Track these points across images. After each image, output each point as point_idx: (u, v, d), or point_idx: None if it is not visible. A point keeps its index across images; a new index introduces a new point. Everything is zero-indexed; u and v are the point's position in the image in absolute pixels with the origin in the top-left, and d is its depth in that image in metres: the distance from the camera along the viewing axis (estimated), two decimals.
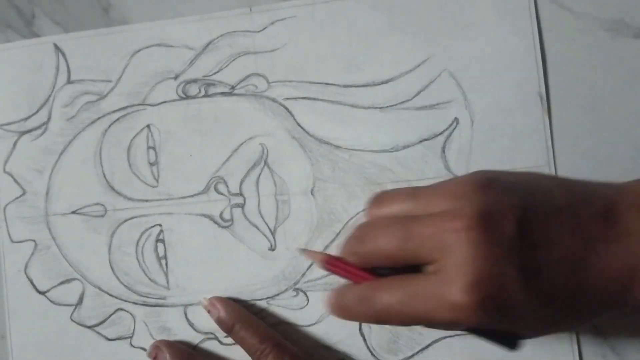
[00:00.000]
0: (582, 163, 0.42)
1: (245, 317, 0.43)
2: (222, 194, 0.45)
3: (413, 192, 0.33)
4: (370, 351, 0.43)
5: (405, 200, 0.33)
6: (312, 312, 0.44)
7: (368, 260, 0.32)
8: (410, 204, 0.32)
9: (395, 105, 0.44)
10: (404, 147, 0.44)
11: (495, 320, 0.29)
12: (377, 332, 0.43)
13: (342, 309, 0.32)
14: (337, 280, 0.43)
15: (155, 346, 0.44)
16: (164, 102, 0.46)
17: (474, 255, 0.29)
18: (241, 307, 0.44)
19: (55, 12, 0.48)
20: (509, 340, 0.31)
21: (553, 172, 0.42)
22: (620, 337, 0.41)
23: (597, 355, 0.41)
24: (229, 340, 0.44)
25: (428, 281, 0.30)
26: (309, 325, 0.44)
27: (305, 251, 0.37)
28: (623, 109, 0.42)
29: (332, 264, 0.33)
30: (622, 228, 0.30)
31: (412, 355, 0.43)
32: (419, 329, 0.43)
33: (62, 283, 0.46)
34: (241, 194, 0.45)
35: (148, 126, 0.46)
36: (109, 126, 0.46)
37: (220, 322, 0.43)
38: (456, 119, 0.43)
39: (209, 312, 0.44)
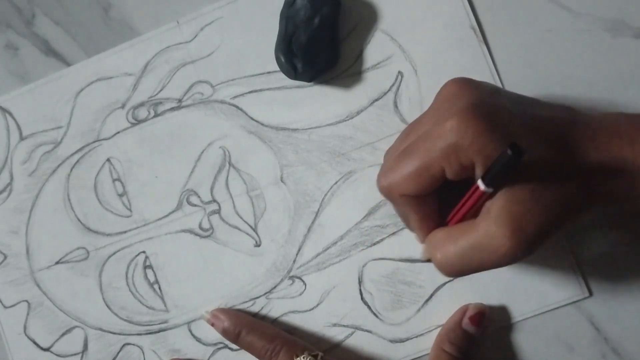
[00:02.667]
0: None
1: (249, 321, 0.43)
2: (196, 205, 0.45)
3: (408, 128, 0.37)
4: (377, 316, 0.43)
5: (405, 137, 0.37)
6: (312, 295, 0.44)
7: (397, 189, 0.35)
8: (411, 136, 0.36)
9: (339, 74, 0.44)
10: (358, 113, 0.44)
11: (488, 134, 0.32)
12: (379, 296, 0.43)
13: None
14: (328, 258, 0.44)
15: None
16: (118, 132, 0.46)
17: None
18: (243, 313, 0.44)
19: (55, 12, 0.48)
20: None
21: None
22: (620, 337, 0.41)
23: (597, 356, 0.42)
24: None
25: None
26: (312, 309, 0.44)
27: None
28: (622, 108, 0.42)
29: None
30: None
31: (419, 309, 0.43)
32: (418, 282, 0.43)
33: (63, 334, 0.46)
34: (215, 201, 0.45)
35: (108, 160, 0.46)
36: (71, 170, 0.47)
37: (225, 332, 0.43)
38: (400, 73, 0.44)
39: (212, 324, 0.44)
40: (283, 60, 0.43)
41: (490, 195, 0.33)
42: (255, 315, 0.44)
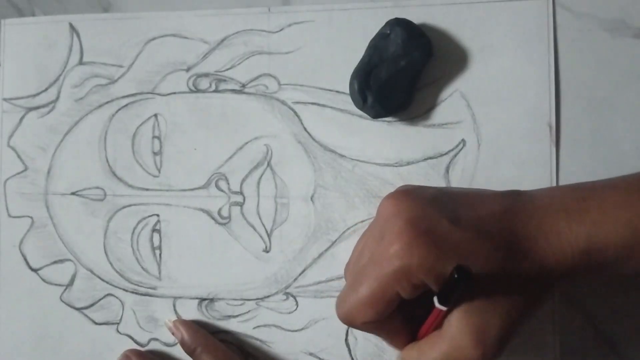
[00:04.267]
0: None
1: (206, 341, 0.43)
2: (222, 190, 0.45)
3: (360, 245, 0.38)
4: None
5: (358, 257, 0.37)
6: (300, 318, 0.44)
7: (357, 318, 0.35)
8: (361, 259, 0.37)
9: (404, 119, 0.43)
10: (408, 163, 0.43)
11: (433, 252, 0.33)
12: (363, 345, 0.43)
13: None
14: (328, 289, 0.44)
15: (125, 355, 0.45)
16: (174, 93, 0.46)
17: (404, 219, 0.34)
18: (204, 331, 0.44)
19: (55, 12, 0.48)
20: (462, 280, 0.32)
21: None
22: (620, 337, 0.41)
23: (597, 356, 0.42)
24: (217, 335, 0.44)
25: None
26: (295, 331, 0.44)
27: None
28: (623, 108, 0.42)
29: None
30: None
31: None
32: None
33: (55, 262, 0.47)
34: (241, 193, 0.45)
35: (155, 115, 0.46)
36: (117, 111, 0.46)
37: (182, 344, 0.44)
38: (463, 141, 0.43)
39: (172, 333, 0.44)
40: (356, 88, 0.42)
41: (450, 309, 0.34)
42: (214, 333, 0.45)
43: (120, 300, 0.46)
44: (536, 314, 0.35)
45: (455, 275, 0.31)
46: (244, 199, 0.45)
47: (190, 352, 0.43)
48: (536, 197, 0.36)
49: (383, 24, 0.43)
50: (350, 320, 0.36)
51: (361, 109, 0.43)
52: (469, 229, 0.34)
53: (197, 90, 0.46)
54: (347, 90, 0.43)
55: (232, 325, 0.45)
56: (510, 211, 0.35)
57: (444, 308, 0.33)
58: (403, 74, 0.42)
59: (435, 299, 0.33)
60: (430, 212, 0.34)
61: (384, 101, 0.42)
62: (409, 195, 0.35)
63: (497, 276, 0.33)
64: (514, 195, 0.36)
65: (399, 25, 0.42)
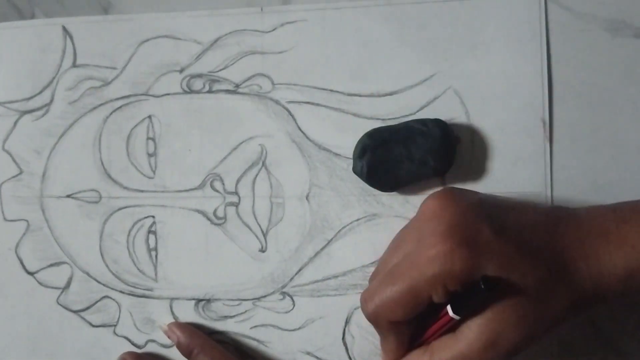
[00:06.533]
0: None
1: (203, 342, 0.43)
2: (217, 191, 0.45)
3: (395, 243, 0.38)
4: (351, 359, 0.43)
5: (392, 253, 0.37)
6: (297, 317, 0.44)
7: (385, 316, 0.35)
8: (397, 254, 0.37)
9: (398, 118, 0.43)
10: None
11: (473, 262, 0.33)
12: (360, 343, 0.43)
13: None
14: (324, 288, 0.44)
15: (122, 358, 0.45)
16: (168, 94, 0.46)
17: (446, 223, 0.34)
18: (200, 332, 0.44)
19: (55, 13, 0.48)
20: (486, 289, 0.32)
21: (549, 199, 0.42)
22: (620, 337, 0.41)
23: (595, 353, 0.42)
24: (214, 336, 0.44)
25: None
26: (292, 330, 0.44)
27: None
28: (623, 108, 0.42)
29: None
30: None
31: None
32: None
33: (51, 265, 0.47)
34: (236, 193, 0.45)
35: (149, 117, 0.46)
36: (111, 113, 0.46)
37: (179, 347, 0.44)
38: (457, 137, 0.43)
39: (168, 337, 0.44)
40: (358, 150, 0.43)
41: (462, 318, 0.34)
42: (211, 334, 0.45)
43: (117, 303, 0.46)
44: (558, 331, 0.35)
45: (482, 286, 0.31)
46: (239, 199, 0.45)
47: (187, 354, 0.43)
48: (579, 218, 0.35)
49: (376, 22, 0.43)
50: (376, 317, 0.36)
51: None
52: (511, 240, 0.34)
53: (191, 91, 0.46)
54: (341, 89, 0.43)
55: (229, 326, 0.45)
56: (554, 228, 0.35)
57: (457, 317, 0.33)
58: (408, 169, 0.42)
59: (449, 309, 0.33)
60: (474, 219, 0.34)
61: (372, 175, 0.42)
62: (454, 198, 0.35)
63: (527, 292, 0.33)
64: (558, 212, 0.36)
65: (439, 126, 0.42)
